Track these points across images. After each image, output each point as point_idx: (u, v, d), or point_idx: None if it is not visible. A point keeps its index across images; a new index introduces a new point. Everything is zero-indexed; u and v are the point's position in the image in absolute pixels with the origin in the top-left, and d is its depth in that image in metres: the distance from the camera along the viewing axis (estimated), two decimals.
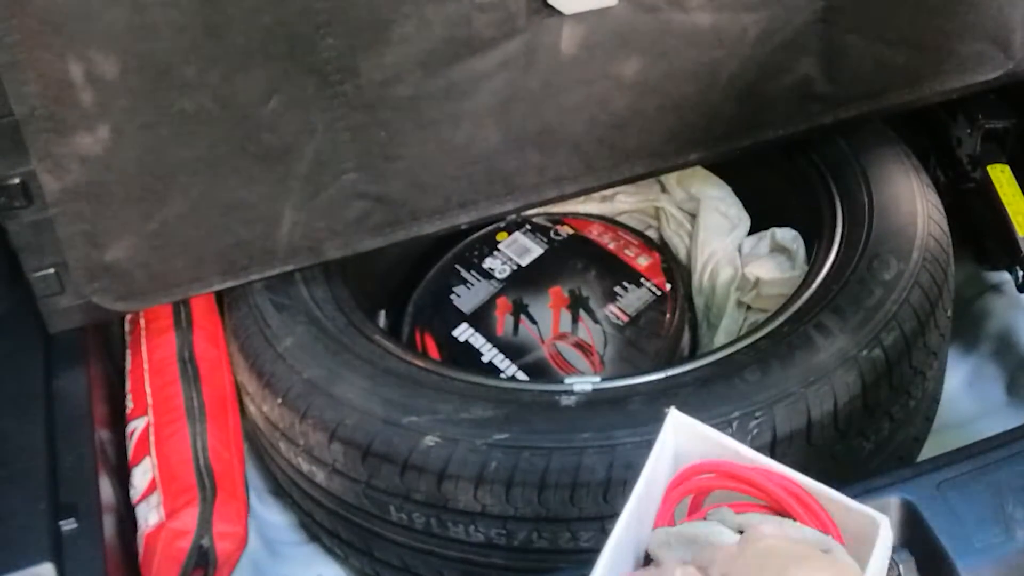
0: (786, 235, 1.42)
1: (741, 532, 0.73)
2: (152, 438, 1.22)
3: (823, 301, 1.18)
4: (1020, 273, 1.37)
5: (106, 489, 1.10)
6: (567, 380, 1.14)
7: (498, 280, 1.44)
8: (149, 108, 1.07)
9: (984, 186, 1.43)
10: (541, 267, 1.46)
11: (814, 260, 1.28)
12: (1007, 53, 1.32)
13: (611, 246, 1.48)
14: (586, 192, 1.32)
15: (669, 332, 1.37)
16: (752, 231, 1.49)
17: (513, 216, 1.49)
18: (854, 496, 0.77)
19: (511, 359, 1.34)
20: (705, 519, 0.75)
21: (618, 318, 1.38)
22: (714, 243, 1.46)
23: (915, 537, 0.89)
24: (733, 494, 0.77)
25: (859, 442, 1.14)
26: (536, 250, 1.48)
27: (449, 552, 1.14)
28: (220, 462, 1.22)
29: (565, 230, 1.51)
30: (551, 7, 1.15)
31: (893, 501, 0.89)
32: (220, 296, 1.33)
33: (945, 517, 0.88)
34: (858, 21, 1.26)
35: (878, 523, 0.74)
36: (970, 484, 0.91)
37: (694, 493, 0.78)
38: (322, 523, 1.24)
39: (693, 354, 1.40)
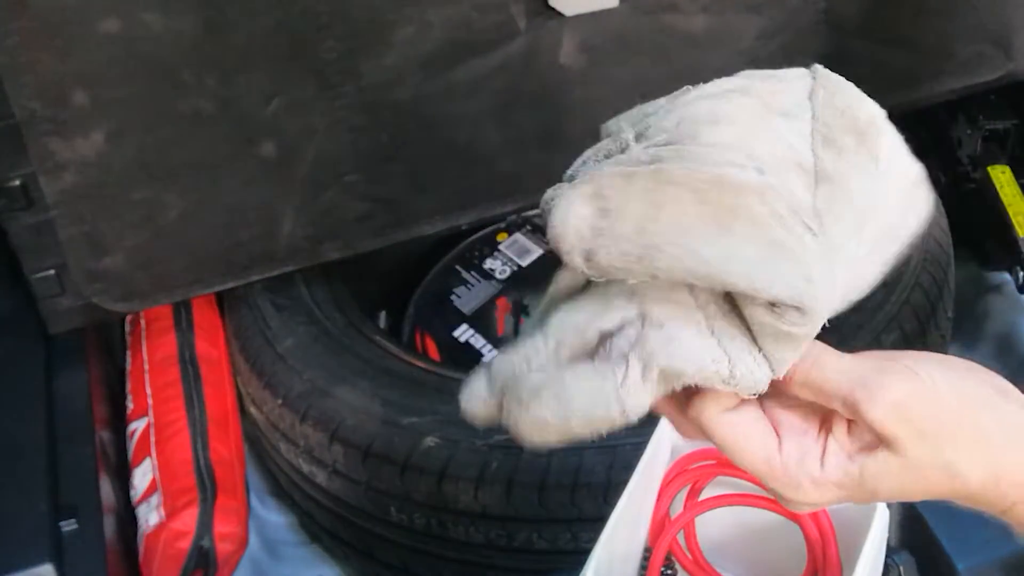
0: None
1: None
2: (152, 439, 1.22)
3: None
4: (1020, 274, 1.37)
5: (106, 490, 1.10)
6: None
7: (498, 280, 1.44)
8: (149, 110, 1.07)
9: (984, 187, 1.43)
10: (541, 267, 1.45)
11: None
12: (1007, 54, 1.32)
13: None
14: None
15: None
16: None
17: (513, 216, 1.49)
18: None
19: None
20: None
21: None
22: None
23: (915, 537, 0.89)
24: (729, 482, 0.77)
25: None
26: (536, 250, 1.48)
27: (449, 553, 1.14)
28: (220, 463, 1.22)
29: None
30: (552, 9, 1.15)
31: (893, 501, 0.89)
32: (220, 297, 1.33)
33: (945, 517, 0.88)
34: (859, 23, 1.26)
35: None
36: None
37: (691, 482, 0.78)
38: (322, 524, 1.24)
39: None
